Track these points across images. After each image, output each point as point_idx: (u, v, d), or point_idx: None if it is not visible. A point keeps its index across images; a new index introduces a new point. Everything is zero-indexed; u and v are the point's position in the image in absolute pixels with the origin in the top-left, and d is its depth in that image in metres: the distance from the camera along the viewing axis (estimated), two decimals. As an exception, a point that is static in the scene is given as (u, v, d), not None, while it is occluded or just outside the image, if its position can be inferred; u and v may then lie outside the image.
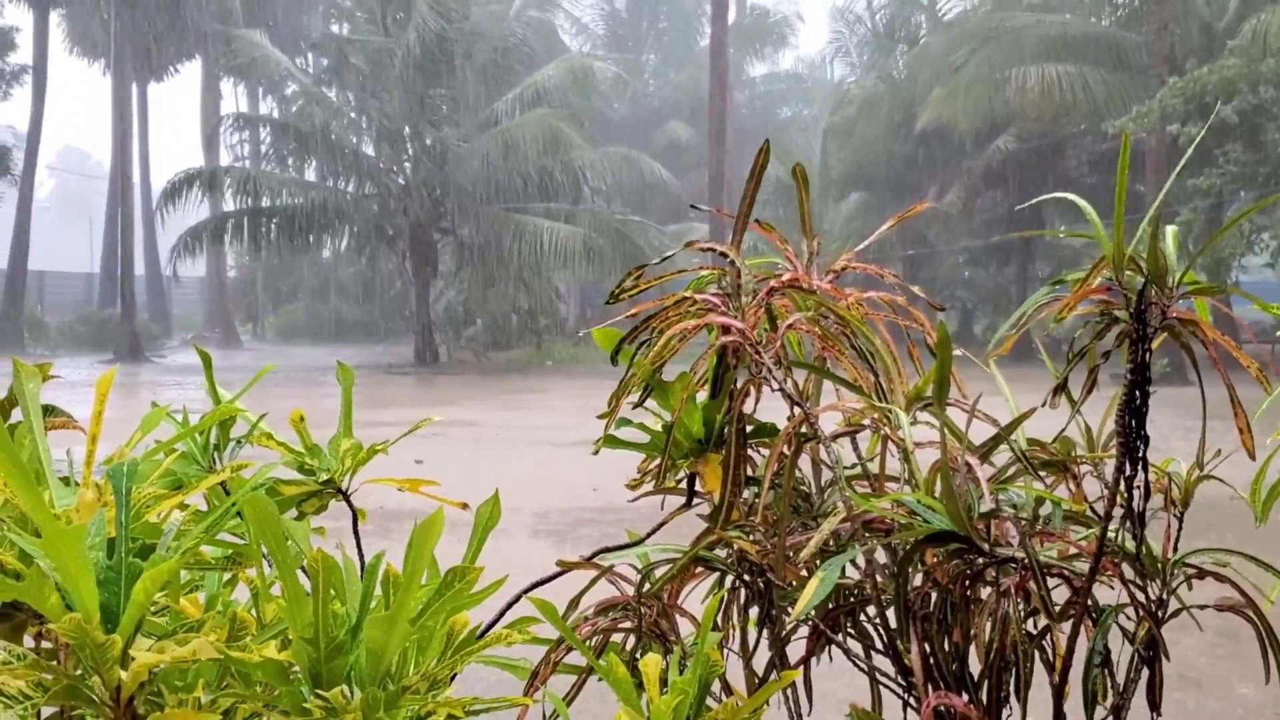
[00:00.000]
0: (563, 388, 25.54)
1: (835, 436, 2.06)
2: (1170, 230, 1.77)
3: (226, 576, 1.81)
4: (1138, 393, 1.77)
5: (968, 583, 1.84)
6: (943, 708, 1.67)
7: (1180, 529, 2.05)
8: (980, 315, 39.37)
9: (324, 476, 2.36)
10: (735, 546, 2.03)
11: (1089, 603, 1.86)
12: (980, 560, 1.78)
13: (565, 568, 2.26)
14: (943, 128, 31.32)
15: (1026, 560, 1.74)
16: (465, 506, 2.49)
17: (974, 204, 35.00)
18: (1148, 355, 1.74)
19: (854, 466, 2.17)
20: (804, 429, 1.99)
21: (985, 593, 1.83)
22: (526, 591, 2.10)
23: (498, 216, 31.67)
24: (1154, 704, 1.95)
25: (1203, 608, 1.98)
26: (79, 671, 1.34)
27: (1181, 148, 24.72)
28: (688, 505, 2.24)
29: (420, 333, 33.75)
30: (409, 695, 1.47)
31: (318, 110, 32.40)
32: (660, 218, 37.52)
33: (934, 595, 1.90)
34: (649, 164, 36.71)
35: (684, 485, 2.24)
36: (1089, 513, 2.10)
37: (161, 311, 49.64)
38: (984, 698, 1.84)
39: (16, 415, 1.87)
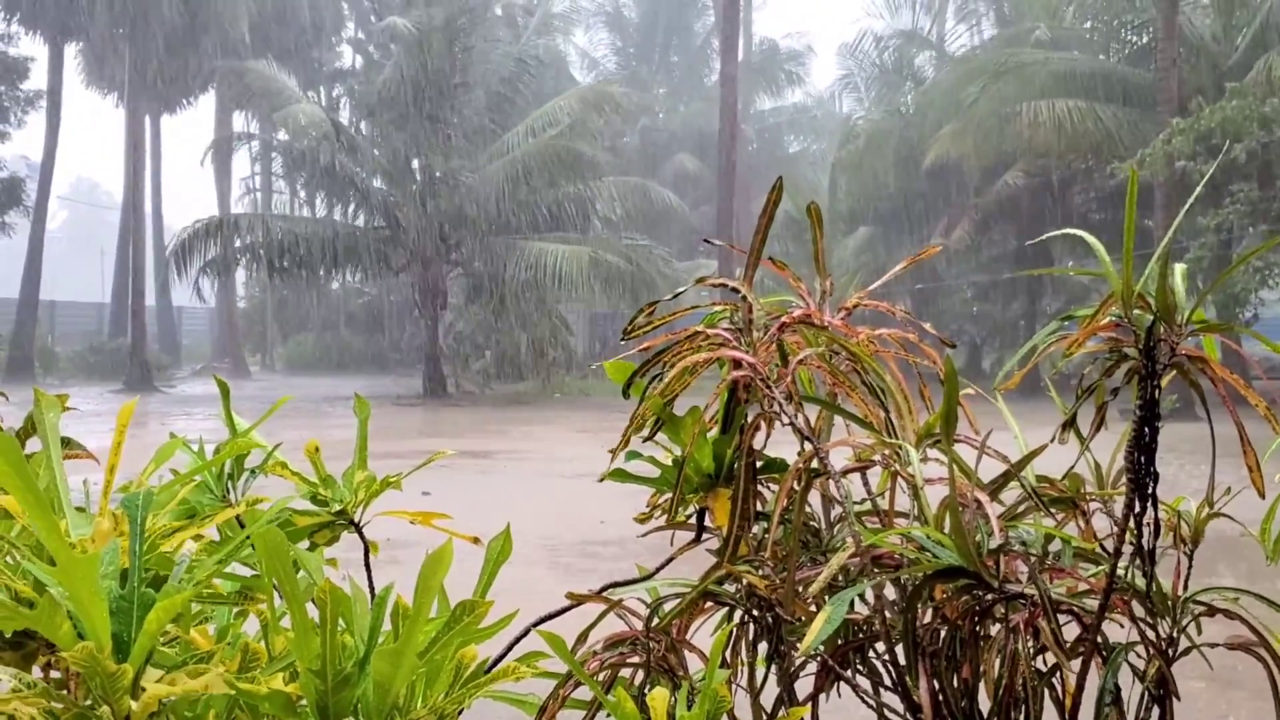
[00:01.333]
0: (571, 420, 25.51)
1: (845, 472, 2.06)
2: (1179, 268, 1.77)
3: (237, 609, 1.81)
4: (1147, 429, 1.77)
5: (977, 619, 1.84)
6: None
7: (1190, 567, 2.04)
8: (988, 350, 39.33)
9: (337, 508, 2.37)
10: (744, 581, 2.03)
11: (1099, 640, 1.86)
12: (989, 596, 1.78)
13: (575, 601, 2.26)
14: (951, 163, 31.35)
15: (1036, 597, 1.74)
16: (476, 541, 2.49)
17: (982, 239, 35.02)
18: (1157, 392, 1.74)
19: (863, 502, 2.17)
20: (814, 464, 2.00)
21: (994, 629, 1.83)
22: (535, 625, 2.11)
23: (507, 247, 31.68)
24: None
25: (1213, 646, 1.97)
26: (89, 701, 1.34)
27: (1189, 184, 24.74)
28: (697, 540, 2.24)
29: (428, 364, 33.72)
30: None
31: (325, 143, 32.52)
32: (670, 247, 37.50)
33: (943, 631, 1.89)
34: (658, 191, 36.80)
35: (693, 520, 2.24)
36: (1098, 549, 2.10)
37: (171, 342, 49.77)
38: None
39: (33, 445, 1.87)
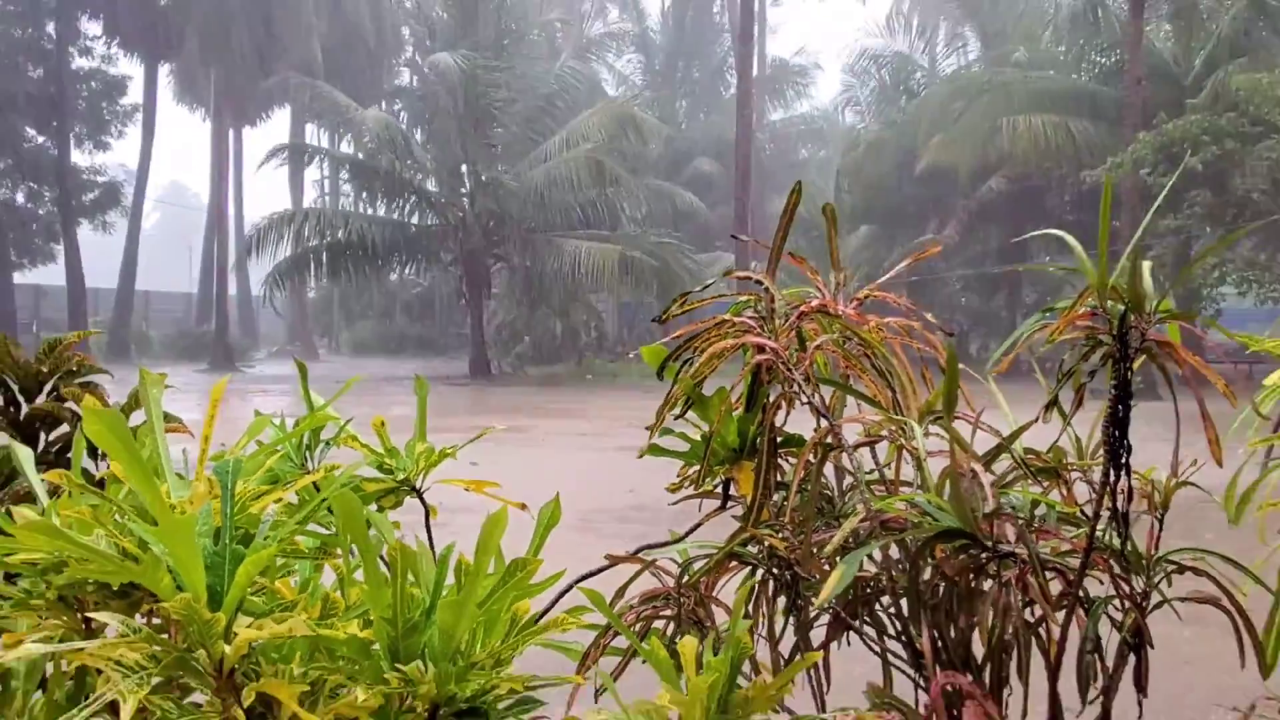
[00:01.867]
0: (603, 400, 25.57)
1: (856, 446, 2.06)
2: (1146, 265, 1.77)
3: (315, 563, 1.82)
4: (1120, 407, 1.77)
5: (973, 575, 1.84)
6: (949, 686, 1.65)
7: (1161, 529, 2.03)
8: (974, 337, 39.25)
9: (401, 476, 2.38)
10: (766, 543, 2.03)
11: (1081, 594, 1.86)
12: (984, 555, 1.78)
13: (612, 561, 2.26)
14: (941, 169, 31.25)
15: (1025, 555, 1.73)
16: (524, 507, 2.49)
17: (969, 237, 34.90)
18: (1129, 373, 1.74)
19: (872, 472, 2.17)
20: (829, 439, 1.99)
21: (988, 585, 1.83)
22: (577, 582, 2.11)
23: (545, 244, 31.74)
24: (1140, 686, 1.93)
25: (1183, 600, 1.96)
26: (187, 645, 1.35)
27: (1153, 191, 24.64)
28: (723, 508, 2.24)
29: (474, 348, 33.84)
30: (476, 670, 1.48)
31: (386, 149, 32.62)
32: (691, 243, 37.44)
33: (942, 587, 1.89)
34: (682, 194, 36.78)
35: (719, 490, 2.24)
36: (1079, 514, 2.09)
37: (250, 328, 50.05)
38: (986, 678, 1.83)
39: (136, 419, 1.88)
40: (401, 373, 34.28)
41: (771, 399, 2.06)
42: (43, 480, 1.90)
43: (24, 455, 1.94)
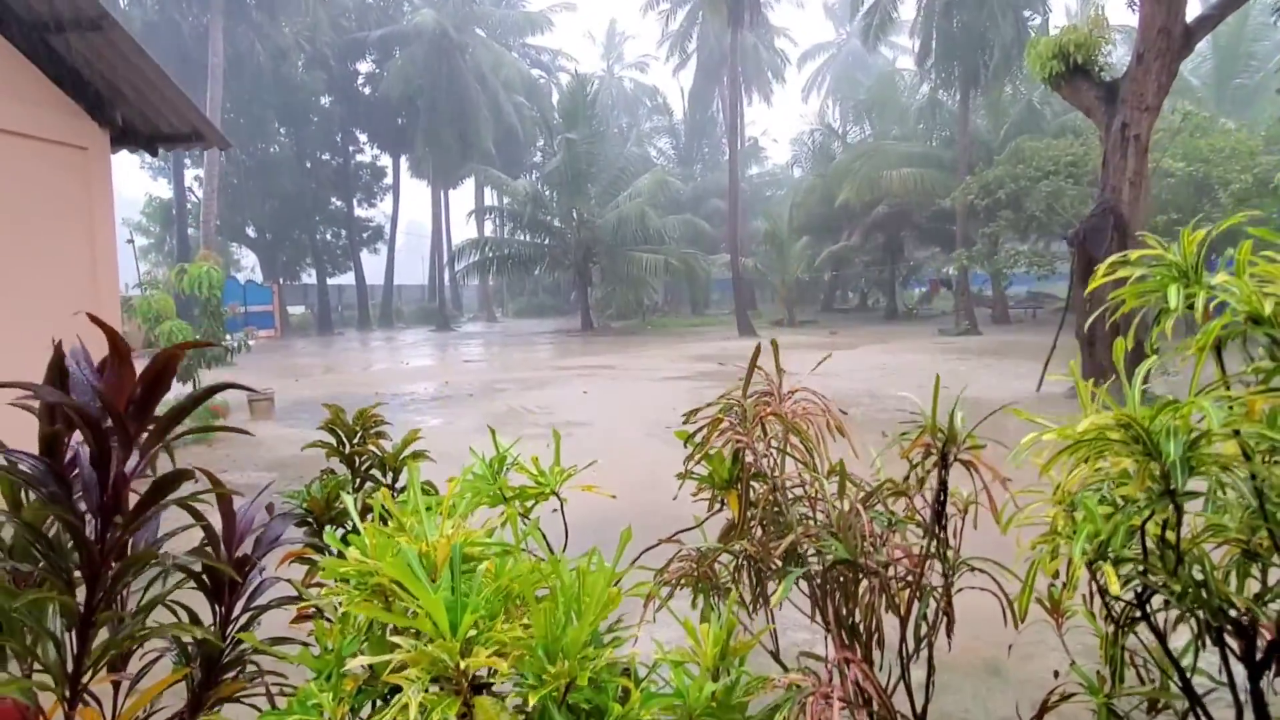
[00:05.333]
0: (655, 343, 25.46)
1: (791, 490, 2.07)
2: (960, 414, 1.76)
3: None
4: (942, 494, 1.78)
5: (857, 577, 1.86)
6: (845, 656, 1.69)
7: (961, 533, 2.01)
8: (870, 296, 38.61)
9: (549, 489, 2.40)
10: (741, 545, 2.07)
11: (921, 583, 1.87)
12: (860, 572, 1.80)
13: (660, 541, 2.29)
14: (850, 202, 30.36)
15: (883, 570, 1.76)
16: (614, 497, 2.51)
17: (866, 240, 34.01)
18: (946, 475, 1.75)
19: (803, 496, 2.17)
20: (776, 483, 2.02)
21: (865, 584, 1.84)
22: (646, 551, 2.15)
23: (620, 254, 31.55)
24: (949, 634, 1.96)
25: (972, 588, 1.94)
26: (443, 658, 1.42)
27: (978, 211, 23.88)
28: (720, 510, 2.28)
29: (583, 313, 33.84)
30: (588, 659, 1.51)
31: (529, 204, 32.57)
32: (706, 251, 36.96)
33: (840, 579, 1.92)
34: (700, 222, 36.21)
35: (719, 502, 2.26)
36: (919, 519, 2.09)
37: (457, 303, 50.30)
38: (866, 642, 1.84)
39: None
40: (543, 329, 34.40)
41: (745, 460, 2.09)
42: (354, 501, 1.98)
43: (348, 501, 2.02)
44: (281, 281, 37.07)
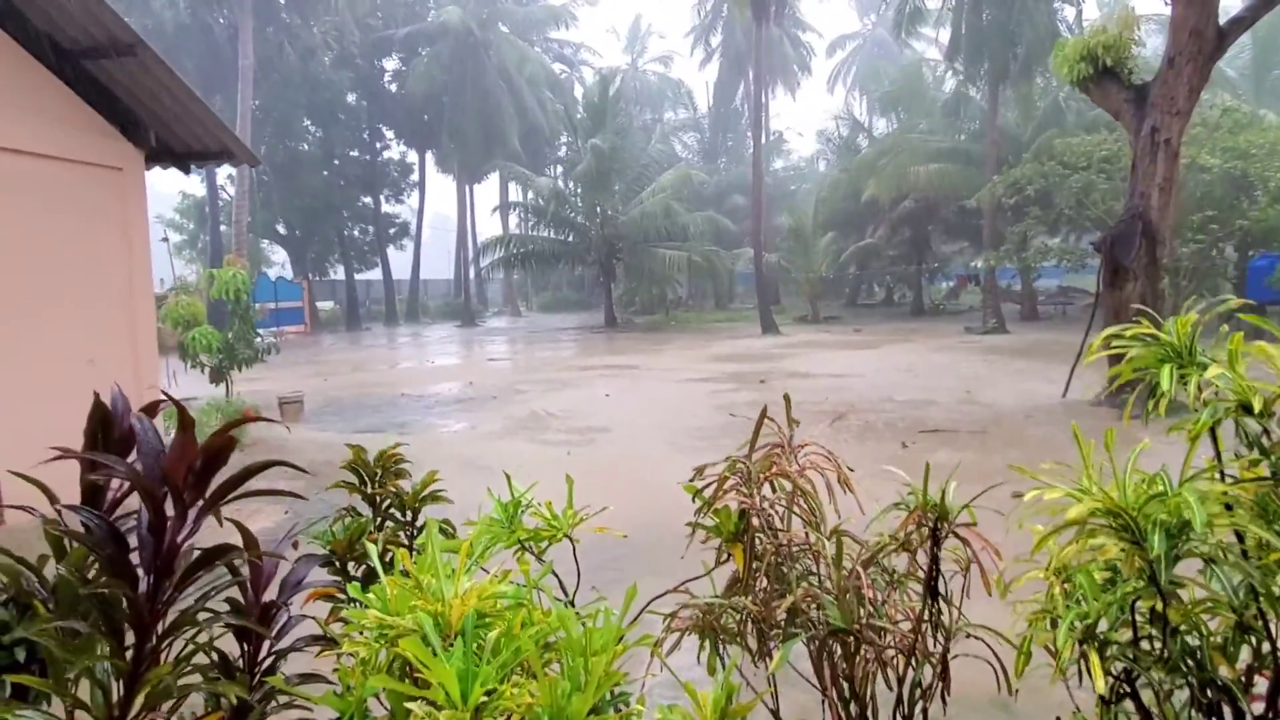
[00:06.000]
0: (677, 341, 25.41)
1: (795, 544, 2.13)
2: (952, 485, 1.80)
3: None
4: (934, 567, 1.82)
5: (854, 644, 1.91)
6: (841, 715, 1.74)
7: (962, 601, 2.05)
8: (896, 291, 38.22)
9: (561, 532, 2.47)
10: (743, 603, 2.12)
11: (916, 648, 1.91)
12: (856, 640, 1.85)
13: (669, 591, 2.36)
14: (875, 197, 30.02)
15: (878, 638, 1.81)
16: (625, 537, 2.56)
17: (892, 235, 33.62)
18: (939, 549, 1.79)
19: (809, 548, 2.22)
20: (780, 541, 2.07)
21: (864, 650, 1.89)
22: (649, 604, 2.22)
23: (644, 250, 31.53)
24: (943, 700, 2.00)
25: (966, 655, 1.97)
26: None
27: (1005, 208, 23.56)
28: (727, 562, 2.34)
29: (606, 309, 33.90)
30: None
31: (553, 200, 32.68)
32: (728, 247, 36.80)
33: (838, 647, 1.96)
34: (721, 220, 36.04)
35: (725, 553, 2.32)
36: (918, 575, 2.13)
37: (482, 298, 50.61)
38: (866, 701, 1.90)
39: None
40: (567, 325, 34.54)
41: (750, 519, 2.15)
42: (375, 548, 2.07)
43: (370, 548, 2.10)
44: (311, 277, 37.60)
